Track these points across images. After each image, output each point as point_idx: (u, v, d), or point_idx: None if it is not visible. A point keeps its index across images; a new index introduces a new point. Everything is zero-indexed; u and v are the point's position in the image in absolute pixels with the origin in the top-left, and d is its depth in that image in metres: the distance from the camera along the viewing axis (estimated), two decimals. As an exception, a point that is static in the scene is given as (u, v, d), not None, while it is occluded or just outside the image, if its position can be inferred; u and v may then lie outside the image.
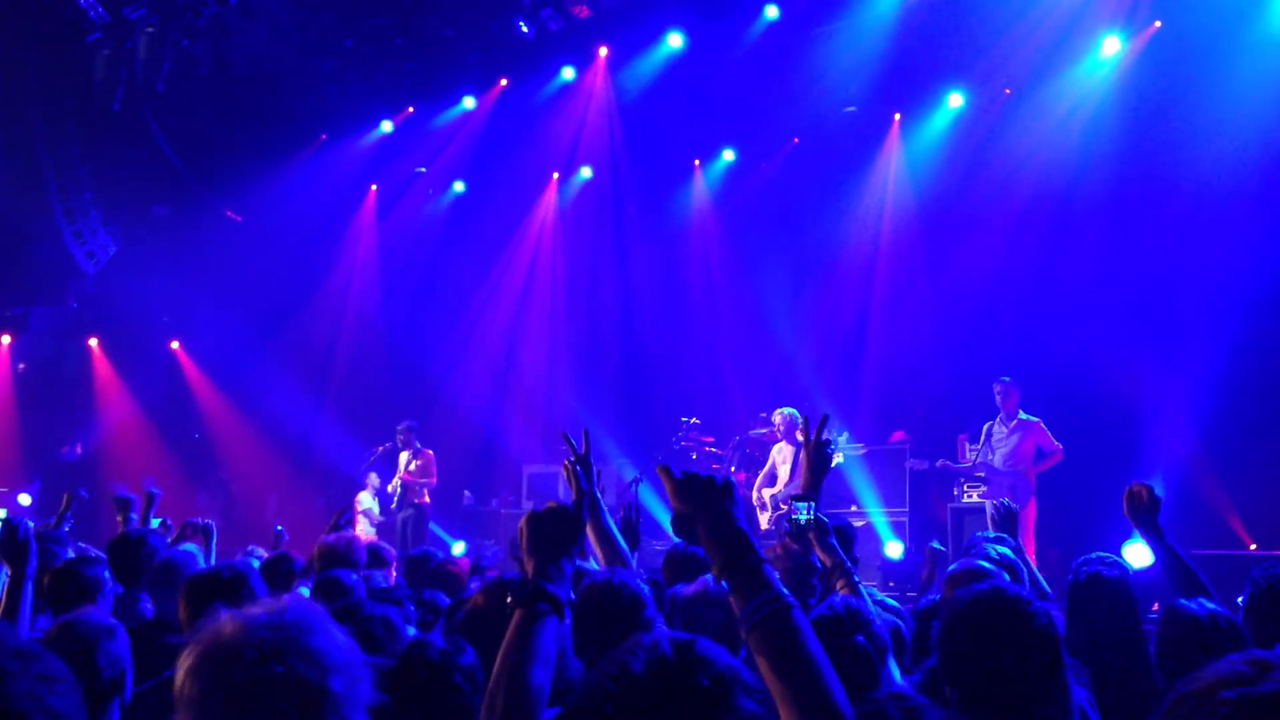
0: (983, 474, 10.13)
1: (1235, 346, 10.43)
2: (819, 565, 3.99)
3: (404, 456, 12.84)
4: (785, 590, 1.80)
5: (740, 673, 1.48)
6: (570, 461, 4.07)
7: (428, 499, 12.82)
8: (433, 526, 13.21)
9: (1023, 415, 10.03)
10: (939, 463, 10.86)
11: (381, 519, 13.14)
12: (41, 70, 13.85)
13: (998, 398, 10.15)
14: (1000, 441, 10.03)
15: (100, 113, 14.05)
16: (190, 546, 5.01)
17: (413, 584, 5.82)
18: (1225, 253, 10.54)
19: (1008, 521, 5.18)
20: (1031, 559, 9.29)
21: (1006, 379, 10.14)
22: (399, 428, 12.96)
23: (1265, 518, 10.23)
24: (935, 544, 6.15)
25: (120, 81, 13.80)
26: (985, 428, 10.28)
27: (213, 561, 5.59)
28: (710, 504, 1.92)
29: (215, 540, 6.42)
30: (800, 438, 11.33)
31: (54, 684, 1.43)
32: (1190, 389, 10.51)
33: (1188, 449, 10.73)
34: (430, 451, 12.88)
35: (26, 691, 1.39)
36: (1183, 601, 3.37)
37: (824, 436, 3.81)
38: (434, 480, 12.86)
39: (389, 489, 13.00)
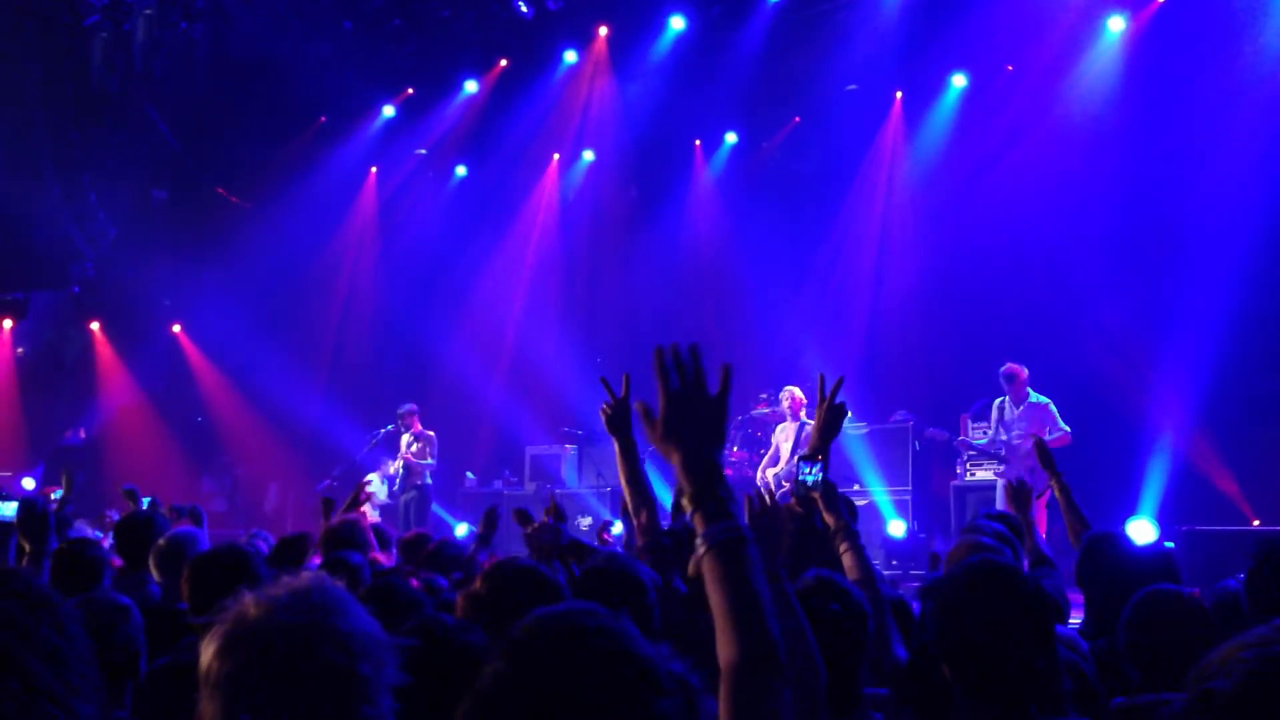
0: (1003, 453, 10.08)
1: (1238, 322, 10.43)
2: (821, 528, 3.96)
3: (405, 439, 12.86)
4: (746, 525, 1.87)
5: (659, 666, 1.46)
6: (608, 405, 4.21)
7: (430, 480, 12.85)
8: (435, 508, 13.24)
9: (1033, 397, 9.98)
10: (958, 440, 10.85)
11: (388, 501, 13.18)
12: (39, 53, 13.77)
13: (1004, 384, 10.09)
14: (1014, 422, 9.99)
15: (98, 96, 14.00)
16: None
17: (410, 565, 5.82)
18: (1228, 228, 10.52)
19: (1020, 499, 5.16)
20: (1041, 534, 9.34)
21: (1009, 366, 10.05)
22: (399, 411, 12.97)
23: (1268, 494, 10.26)
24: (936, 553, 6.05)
25: (118, 65, 13.75)
26: (997, 404, 10.22)
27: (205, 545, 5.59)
28: (701, 427, 1.96)
29: (206, 523, 6.41)
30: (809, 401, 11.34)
31: (45, 613, 1.39)
32: (1193, 365, 10.51)
33: (1191, 425, 10.74)
34: (431, 433, 12.90)
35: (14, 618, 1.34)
36: (1159, 587, 3.37)
37: (839, 399, 3.82)
38: (435, 462, 12.89)
39: (390, 470, 13.04)
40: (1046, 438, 9.70)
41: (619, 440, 4.25)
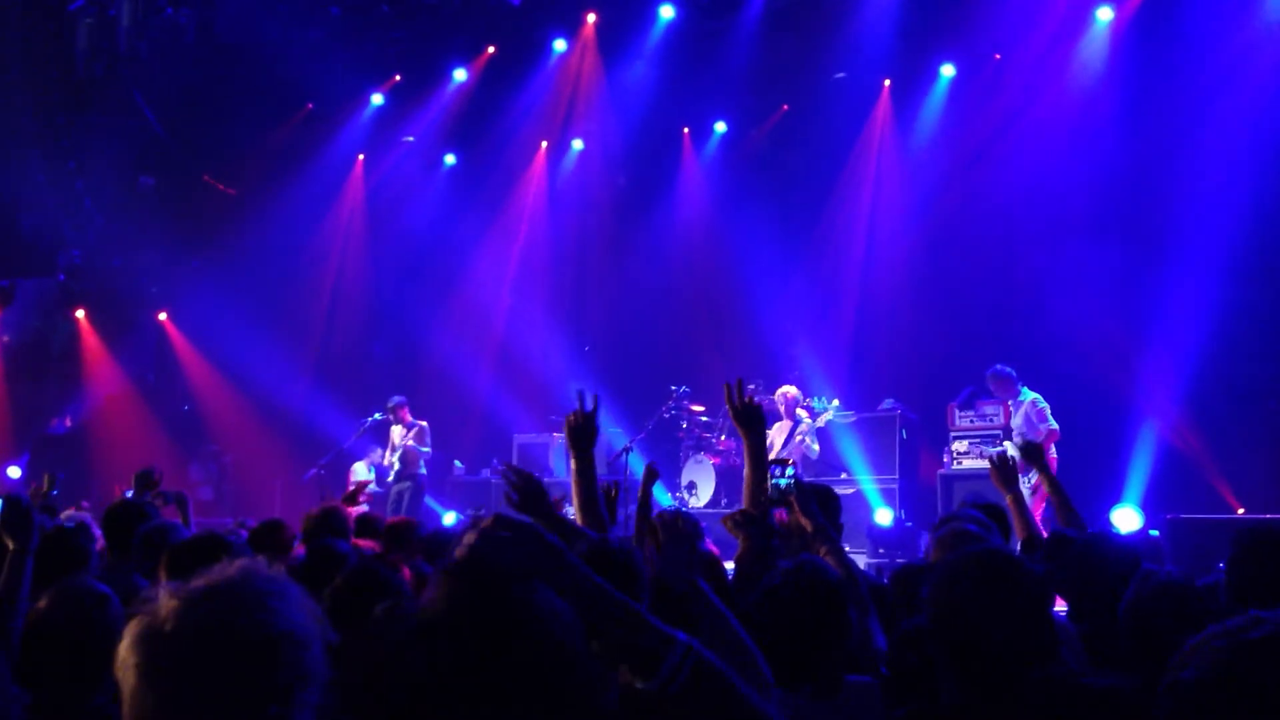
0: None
1: (1224, 311, 10.48)
2: (777, 527, 3.96)
3: (397, 430, 12.87)
4: (669, 628, 1.57)
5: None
6: (575, 416, 4.02)
7: (424, 470, 12.90)
8: (426, 499, 13.24)
9: (1023, 395, 10.06)
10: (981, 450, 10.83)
11: (377, 490, 13.17)
12: (23, 38, 13.68)
13: (992, 386, 10.17)
14: (1013, 420, 10.12)
15: (84, 82, 13.92)
16: None
17: (399, 552, 5.79)
18: (1214, 217, 10.55)
19: (1006, 475, 5.09)
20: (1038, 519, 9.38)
21: (994, 368, 10.12)
22: (390, 404, 12.94)
23: (1253, 482, 10.31)
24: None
25: (104, 50, 13.66)
26: (1009, 404, 10.38)
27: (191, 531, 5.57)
28: (541, 556, 1.57)
29: (191, 508, 6.39)
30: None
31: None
32: (1179, 354, 10.56)
33: (1176, 414, 10.79)
34: (424, 423, 12.93)
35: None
36: (1154, 567, 3.37)
37: (746, 396, 3.82)
38: (430, 450, 12.94)
39: (385, 462, 13.00)
40: (1037, 437, 9.76)
41: (577, 457, 3.98)
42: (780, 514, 4.03)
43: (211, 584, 1.55)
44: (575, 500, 4.01)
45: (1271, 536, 3.32)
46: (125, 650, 1.53)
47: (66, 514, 7.38)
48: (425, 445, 12.84)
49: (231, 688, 1.49)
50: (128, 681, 1.52)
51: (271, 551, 4.63)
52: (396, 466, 12.81)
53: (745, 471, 3.84)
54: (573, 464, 3.98)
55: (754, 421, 3.95)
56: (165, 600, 1.54)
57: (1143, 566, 3.36)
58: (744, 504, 3.82)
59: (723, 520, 3.95)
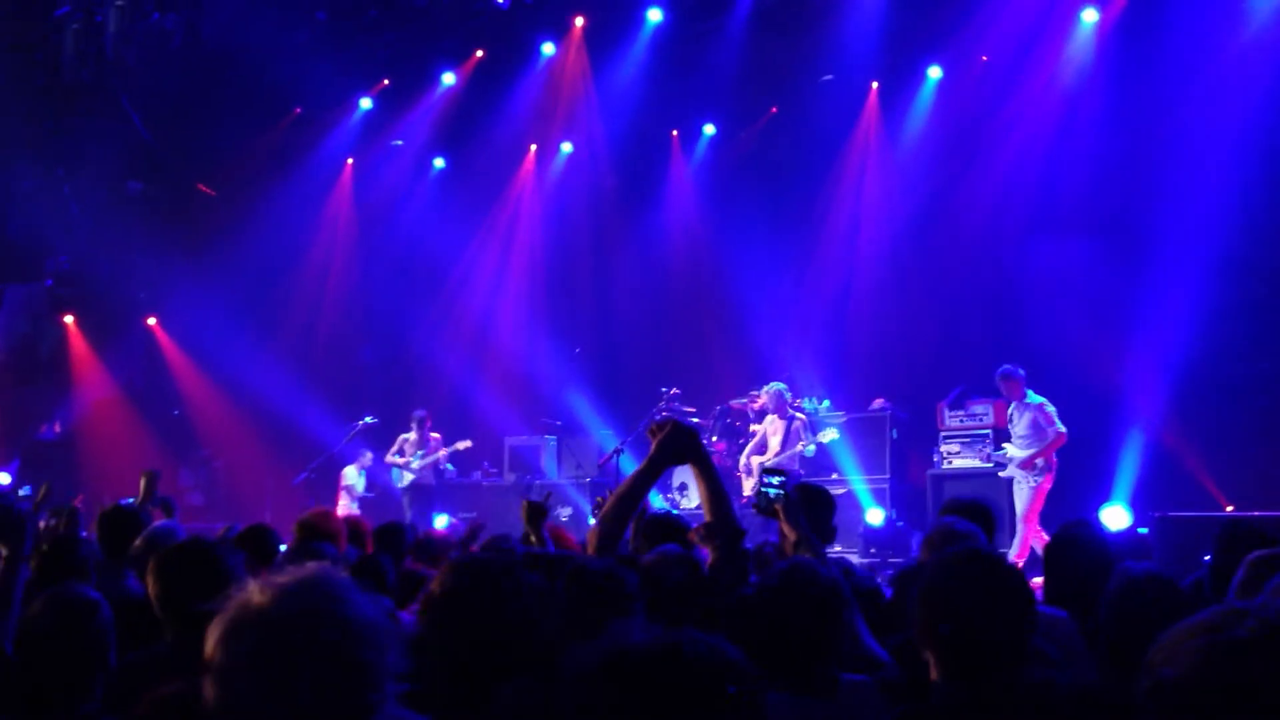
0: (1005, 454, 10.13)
1: (1212, 309, 10.51)
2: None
3: (413, 438, 12.98)
4: None
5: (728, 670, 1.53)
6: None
7: (433, 481, 13.04)
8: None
9: (1030, 398, 9.99)
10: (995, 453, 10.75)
11: (368, 494, 13.16)
12: (10, 44, 13.66)
13: (1000, 385, 10.11)
14: (1016, 424, 10.03)
15: (71, 88, 13.88)
16: None
17: (389, 555, 5.76)
18: (1201, 216, 10.59)
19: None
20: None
21: (1005, 368, 10.05)
22: (415, 415, 13.24)
23: (1241, 480, 10.34)
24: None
25: (91, 56, 13.63)
26: (1010, 410, 10.24)
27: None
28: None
29: (178, 513, 6.38)
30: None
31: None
32: (1167, 352, 10.58)
33: (1164, 412, 10.81)
34: (439, 437, 13.23)
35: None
36: (1133, 564, 3.39)
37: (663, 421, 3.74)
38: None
39: (409, 463, 13.03)
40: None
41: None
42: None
43: (298, 578, 1.62)
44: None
45: (1252, 533, 3.36)
46: (222, 639, 1.57)
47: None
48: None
49: (330, 674, 1.56)
50: (218, 671, 1.55)
51: (257, 556, 4.63)
52: (416, 465, 13.04)
53: (699, 490, 3.72)
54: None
55: (685, 453, 3.77)
56: (256, 593, 1.59)
57: (1124, 562, 3.38)
58: (706, 518, 3.70)
59: (690, 534, 3.86)
